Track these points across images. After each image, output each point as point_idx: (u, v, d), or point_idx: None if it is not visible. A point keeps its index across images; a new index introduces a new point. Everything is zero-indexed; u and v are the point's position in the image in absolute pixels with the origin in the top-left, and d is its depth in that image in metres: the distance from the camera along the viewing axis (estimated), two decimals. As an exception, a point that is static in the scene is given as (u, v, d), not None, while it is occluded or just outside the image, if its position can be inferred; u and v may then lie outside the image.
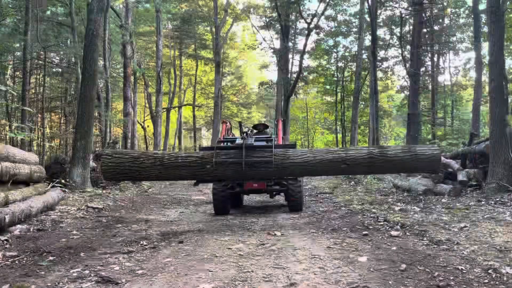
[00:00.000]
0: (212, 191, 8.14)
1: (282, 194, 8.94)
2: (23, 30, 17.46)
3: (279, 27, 25.04)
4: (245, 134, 6.98)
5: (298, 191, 7.96)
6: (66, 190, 10.12)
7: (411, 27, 21.55)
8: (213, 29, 29.33)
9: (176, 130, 37.04)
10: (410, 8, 19.58)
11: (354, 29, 27.42)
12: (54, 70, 26.72)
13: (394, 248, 4.69)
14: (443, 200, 8.41)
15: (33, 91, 26.26)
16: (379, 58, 24.06)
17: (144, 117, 37.68)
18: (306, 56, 27.49)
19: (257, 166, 6.10)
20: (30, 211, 6.45)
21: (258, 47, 29.21)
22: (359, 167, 6.05)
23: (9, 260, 4.35)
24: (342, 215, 7.43)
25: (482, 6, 18.29)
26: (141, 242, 5.33)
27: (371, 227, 6.10)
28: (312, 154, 6.09)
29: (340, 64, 29.78)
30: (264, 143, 7.42)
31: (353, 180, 14.14)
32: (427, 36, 21.66)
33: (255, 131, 9.97)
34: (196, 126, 40.95)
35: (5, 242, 5.14)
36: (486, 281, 3.45)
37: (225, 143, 8.19)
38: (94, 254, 4.70)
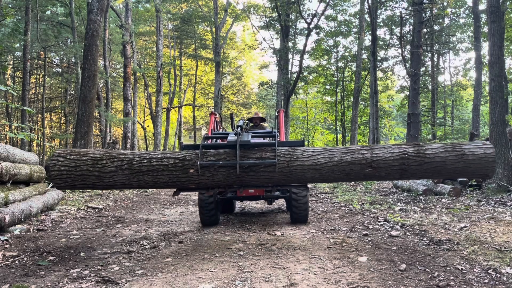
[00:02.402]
0: (198, 196, 6.74)
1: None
2: (23, 30, 17.50)
3: (279, 27, 25.04)
4: (239, 128, 5.34)
5: (303, 195, 6.46)
6: (66, 190, 10.12)
7: (411, 27, 21.56)
8: (213, 29, 29.35)
9: (176, 130, 37.08)
10: (410, 8, 19.58)
11: (354, 29, 27.45)
12: (54, 70, 26.75)
13: (394, 248, 4.69)
14: (443, 200, 8.41)
15: (33, 91, 26.30)
16: (379, 58, 24.08)
17: (144, 117, 37.73)
18: (306, 56, 27.51)
19: (256, 170, 4.70)
20: (30, 211, 6.46)
21: (258, 47, 29.26)
22: (389, 171, 4.64)
23: (9, 260, 4.35)
24: (342, 215, 7.42)
25: (482, 6, 18.32)
26: (141, 242, 5.33)
27: (371, 227, 6.10)
28: (327, 154, 4.69)
29: (340, 64, 29.79)
30: (263, 140, 6.26)
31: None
32: (427, 36, 21.67)
33: (250, 124, 8.51)
34: (196, 126, 40.98)
35: (5, 242, 5.14)
36: (486, 281, 3.45)
37: (214, 140, 6.71)
38: (94, 254, 4.70)
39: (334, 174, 4.70)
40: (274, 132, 5.91)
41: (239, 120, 6.62)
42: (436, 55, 25.72)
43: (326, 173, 4.70)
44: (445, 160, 4.61)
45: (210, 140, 6.53)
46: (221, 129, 8.56)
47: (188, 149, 5.03)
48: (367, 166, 4.62)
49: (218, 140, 6.81)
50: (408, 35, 21.91)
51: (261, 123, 8.55)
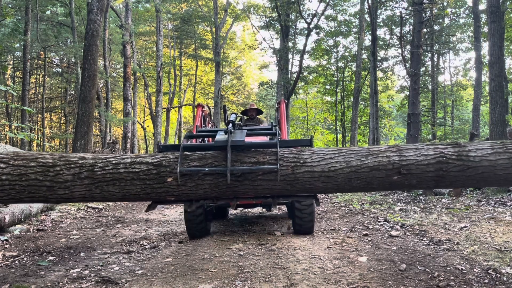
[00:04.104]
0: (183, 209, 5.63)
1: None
2: (23, 30, 17.52)
3: (279, 27, 25.05)
4: (230, 124, 3.96)
5: (308, 205, 5.43)
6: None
7: (411, 27, 21.56)
8: (213, 29, 29.34)
9: (176, 130, 37.09)
10: (410, 8, 19.58)
11: (354, 29, 27.44)
12: (54, 70, 26.78)
13: (394, 248, 4.69)
14: (443, 200, 8.41)
15: (33, 91, 26.32)
16: (379, 58, 24.07)
17: (144, 117, 37.75)
18: (306, 56, 27.49)
19: (252, 178, 3.55)
20: (30, 211, 6.46)
21: (258, 47, 29.23)
22: (421, 178, 3.59)
23: (9, 260, 4.35)
24: (342, 215, 7.42)
25: (482, 6, 18.32)
26: (141, 242, 5.33)
27: (371, 227, 6.10)
28: (343, 158, 3.61)
29: (340, 64, 29.79)
30: (261, 140, 5.29)
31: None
32: (427, 36, 21.67)
33: (245, 117, 7.46)
34: (196, 126, 40.96)
35: (5, 242, 5.14)
36: (486, 281, 3.45)
37: (199, 140, 5.61)
38: (94, 254, 4.70)
39: (352, 182, 3.64)
40: (275, 127, 4.66)
41: (231, 114, 5.48)
42: (436, 55, 25.72)
43: (342, 182, 3.63)
44: (495, 164, 3.57)
45: (194, 139, 5.40)
46: (210, 125, 7.33)
47: (166, 150, 3.91)
48: (394, 173, 3.59)
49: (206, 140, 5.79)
50: (408, 35, 21.91)
51: (257, 116, 7.55)
